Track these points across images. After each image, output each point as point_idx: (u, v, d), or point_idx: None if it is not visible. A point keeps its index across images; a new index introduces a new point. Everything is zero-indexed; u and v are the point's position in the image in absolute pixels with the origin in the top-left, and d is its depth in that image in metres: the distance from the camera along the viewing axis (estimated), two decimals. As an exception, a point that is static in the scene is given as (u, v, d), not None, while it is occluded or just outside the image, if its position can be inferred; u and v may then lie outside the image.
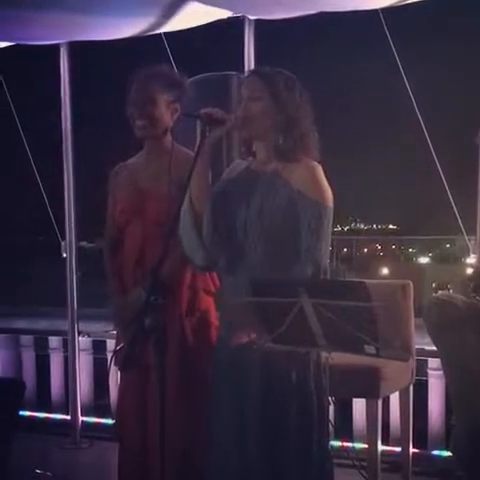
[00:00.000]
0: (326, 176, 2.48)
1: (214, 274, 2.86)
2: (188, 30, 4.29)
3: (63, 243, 4.75)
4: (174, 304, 2.77)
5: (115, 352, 2.92)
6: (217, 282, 2.88)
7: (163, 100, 2.84)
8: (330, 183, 2.48)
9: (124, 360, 2.81)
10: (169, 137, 2.90)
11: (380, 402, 3.42)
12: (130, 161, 3.00)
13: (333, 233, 2.51)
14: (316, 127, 2.52)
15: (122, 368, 2.87)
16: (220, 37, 4.74)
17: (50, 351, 5.05)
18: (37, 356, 5.14)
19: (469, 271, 2.79)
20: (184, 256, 2.59)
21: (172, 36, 4.48)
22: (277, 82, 2.47)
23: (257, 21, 4.15)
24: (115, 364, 2.86)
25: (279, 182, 2.46)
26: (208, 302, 2.87)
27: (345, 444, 4.07)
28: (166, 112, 2.85)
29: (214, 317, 2.84)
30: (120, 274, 2.92)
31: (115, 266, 2.93)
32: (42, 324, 5.53)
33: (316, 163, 2.48)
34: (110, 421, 4.59)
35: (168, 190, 2.74)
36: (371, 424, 3.40)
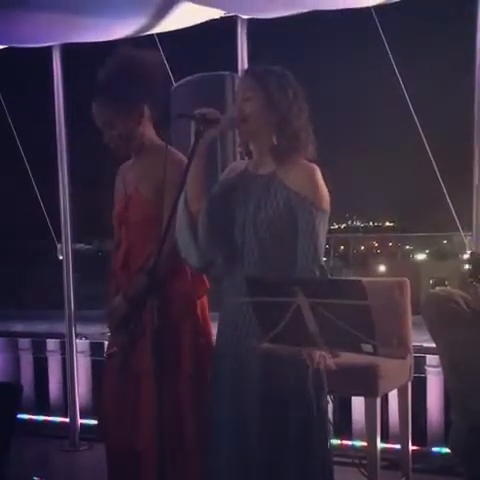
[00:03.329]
0: (323, 176, 2.48)
1: (198, 278, 2.85)
2: (181, 30, 4.29)
3: (59, 246, 4.75)
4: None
5: (108, 355, 2.92)
6: (203, 285, 2.87)
7: (120, 109, 2.78)
8: (327, 182, 2.47)
9: (117, 364, 2.81)
10: (152, 138, 2.88)
11: (379, 400, 3.42)
12: (126, 163, 3.00)
13: (329, 231, 2.50)
14: (312, 125, 2.52)
15: (115, 372, 2.86)
16: (214, 37, 4.73)
17: (48, 354, 5.06)
18: (35, 359, 5.14)
19: (466, 266, 2.77)
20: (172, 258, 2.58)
21: (165, 37, 4.47)
22: (269, 81, 2.46)
23: (250, 20, 4.15)
24: (108, 368, 2.86)
25: (276, 184, 2.46)
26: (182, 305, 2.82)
27: (345, 442, 4.08)
28: (126, 119, 2.80)
29: (198, 319, 2.83)
30: (113, 277, 2.93)
31: (111, 269, 2.94)
32: (40, 327, 5.52)
33: (314, 165, 2.47)
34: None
35: (150, 193, 2.73)
36: (370, 422, 3.40)
